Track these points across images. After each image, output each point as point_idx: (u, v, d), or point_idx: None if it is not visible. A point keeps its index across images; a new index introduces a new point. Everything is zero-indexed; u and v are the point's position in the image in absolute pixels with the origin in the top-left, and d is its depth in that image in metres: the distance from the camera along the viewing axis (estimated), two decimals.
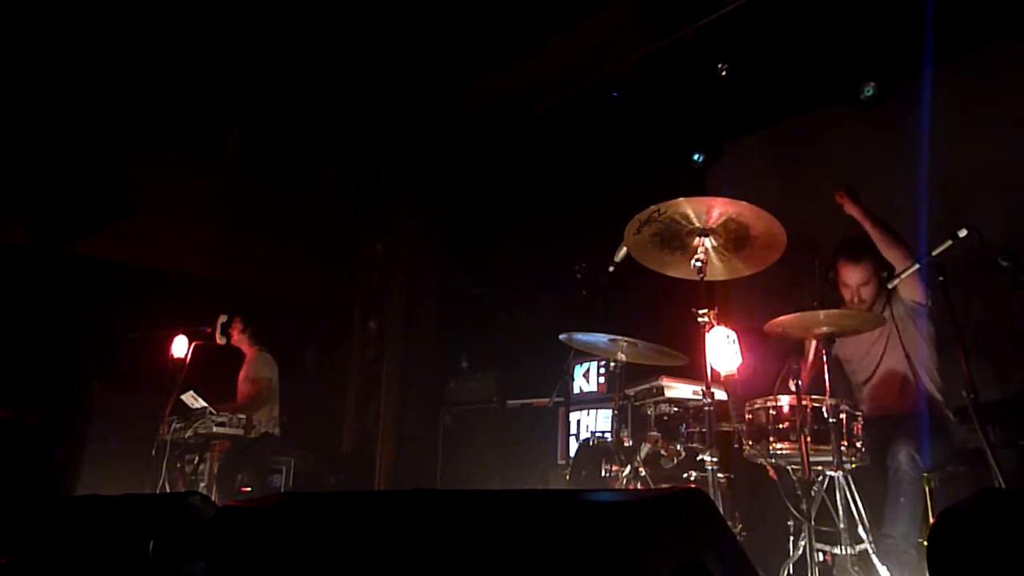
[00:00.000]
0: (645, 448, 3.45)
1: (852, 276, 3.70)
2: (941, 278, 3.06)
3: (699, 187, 6.24)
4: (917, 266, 3.26)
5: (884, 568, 2.86)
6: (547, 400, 5.13)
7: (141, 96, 6.20)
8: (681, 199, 2.90)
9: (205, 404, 5.13)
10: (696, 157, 6.39)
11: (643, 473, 3.44)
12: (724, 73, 5.66)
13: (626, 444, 3.61)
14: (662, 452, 3.43)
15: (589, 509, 1.27)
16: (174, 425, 5.08)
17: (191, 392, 5.15)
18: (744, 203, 2.91)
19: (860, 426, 3.17)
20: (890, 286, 3.45)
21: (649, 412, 3.60)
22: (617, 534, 1.15)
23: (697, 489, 1.38)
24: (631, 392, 3.96)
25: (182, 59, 6.46)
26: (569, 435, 5.51)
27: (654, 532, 1.19)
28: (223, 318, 5.63)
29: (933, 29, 4.68)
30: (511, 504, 1.39)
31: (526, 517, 1.29)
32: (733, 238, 3.04)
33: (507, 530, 1.28)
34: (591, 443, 3.95)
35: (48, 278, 5.77)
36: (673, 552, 1.20)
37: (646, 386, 3.88)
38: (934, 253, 3.12)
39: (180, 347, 5.30)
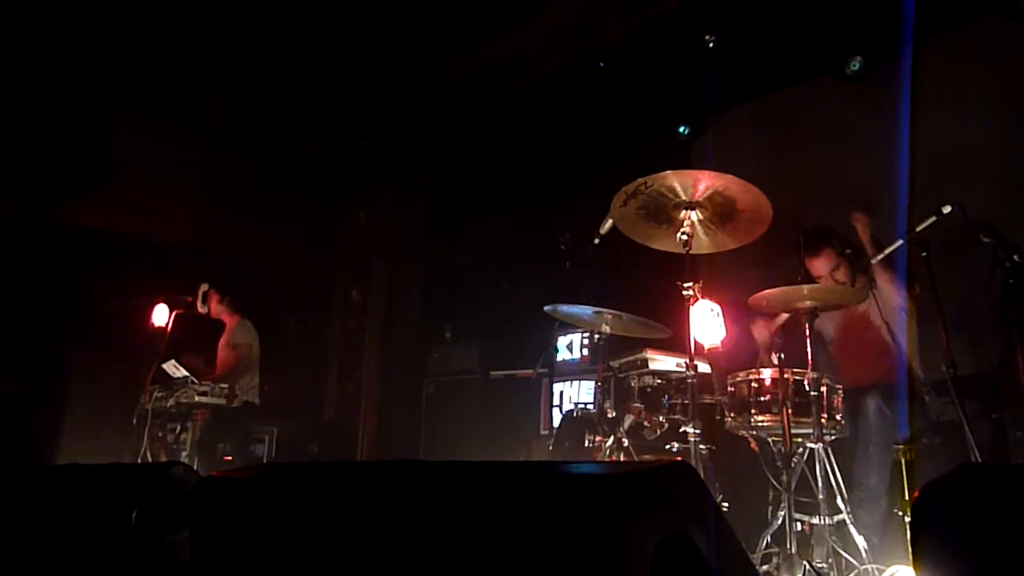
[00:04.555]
0: (628, 419, 3.48)
1: (818, 267, 3.77)
2: (924, 253, 3.08)
3: (684, 159, 6.23)
4: (900, 242, 3.28)
5: (861, 537, 2.91)
6: (531, 371, 5.14)
7: (121, 62, 6.08)
8: (668, 172, 2.89)
9: (186, 373, 5.09)
10: (682, 129, 6.38)
11: (626, 444, 3.47)
12: (711, 45, 5.62)
13: (609, 415, 3.63)
14: (645, 423, 3.46)
15: (575, 481, 1.27)
16: (155, 394, 5.05)
17: (172, 361, 5.12)
18: (731, 177, 2.90)
19: (840, 399, 3.21)
20: (874, 261, 3.48)
21: (633, 384, 3.62)
22: (603, 507, 1.15)
23: (683, 462, 1.39)
24: (615, 364, 3.97)
25: (163, 24, 6.32)
26: (552, 406, 5.53)
27: (640, 505, 1.19)
28: (204, 287, 5.58)
29: (920, 4, 4.67)
30: (497, 476, 1.39)
31: (512, 489, 1.29)
32: (719, 212, 3.03)
33: (493, 502, 1.28)
34: (575, 414, 3.97)
35: (26, 245, 5.68)
36: (659, 525, 1.20)
37: (630, 358, 3.89)
38: (918, 229, 3.15)
39: (161, 316, 5.25)
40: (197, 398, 5.06)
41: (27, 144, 5.54)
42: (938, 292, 3.07)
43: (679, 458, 3.19)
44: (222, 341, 5.72)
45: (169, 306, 5.28)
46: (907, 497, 3.16)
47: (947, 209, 3.17)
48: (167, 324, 5.23)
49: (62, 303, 5.78)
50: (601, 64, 6.20)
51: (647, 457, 3.51)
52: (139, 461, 4.78)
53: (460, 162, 7.38)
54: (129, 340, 5.33)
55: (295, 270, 7.48)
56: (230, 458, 5.43)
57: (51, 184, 5.71)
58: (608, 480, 1.26)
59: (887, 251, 3.35)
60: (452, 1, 6.59)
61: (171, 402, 5.02)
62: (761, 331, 3.79)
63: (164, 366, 5.12)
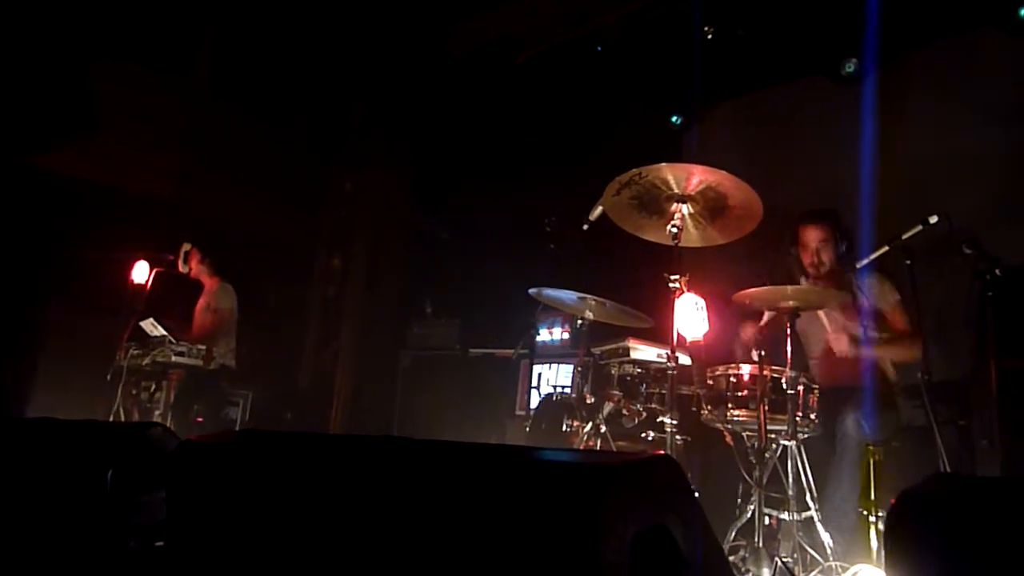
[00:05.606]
0: (608, 406, 3.51)
1: (810, 234, 3.76)
2: (908, 261, 3.12)
3: (675, 149, 6.24)
4: (886, 248, 3.32)
5: (827, 535, 2.97)
6: (512, 351, 5.16)
7: (111, 10, 5.94)
8: (663, 164, 2.90)
9: (164, 332, 5.05)
10: (674, 119, 6.38)
11: (604, 430, 3.50)
12: (710, 36, 5.62)
13: (588, 401, 3.66)
14: (623, 411, 3.49)
15: (560, 469, 1.28)
16: (131, 351, 5.00)
17: (151, 319, 5.07)
18: (724, 172, 2.91)
19: (815, 398, 3.26)
20: (859, 265, 3.52)
21: (613, 371, 3.65)
22: (586, 496, 1.16)
23: (667, 455, 1.41)
24: (597, 351, 4.00)
25: None
26: (531, 387, 5.56)
27: (623, 496, 1.21)
28: (186, 247, 5.51)
29: (917, 13, 4.70)
30: (481, 459, 1.40)
31: (496, 473, 1.30)
32: (711, 206, 3.05)
33: (475, 485, 1.29)
34: (554, 397, 4.00)
35: (2, 192, 5.57)
36: (639, 516, 1.22)
37: (612, 346, 3.92)
38: (904, 237, 3.19)
39: (141, 273, 5.19)
40: (174, 358, 5.02)
41: (10, 88, 5.42)
42: (919, 301, 3.12)
43: (663, 452, 3.23)
44: (201, 303, 5.66)
45: (150, 263, 5.22)
46: (872, 497, 3.22)
47: (933, 219, 3.21)
48: (147, 282, 5.17)
49: (39, 253, 5.69)
50: (599, 48, 6.17)
51: (622, 444, 3.55)
52: (112, 418, 4.75)
53: (449, 139, 7.33)
54: (108, 295, 5.26)
55: (277, 235, 7.42)
56: (202, 420, 5.41)
57: (32, 129, 5.59)
58: (592, 470, 1.27)
59: (872, 256, 3.39)
60: None
61: (147, 360, 4.98)
62: (746, 329, 3.82)
63: (142, 324, 5.07)
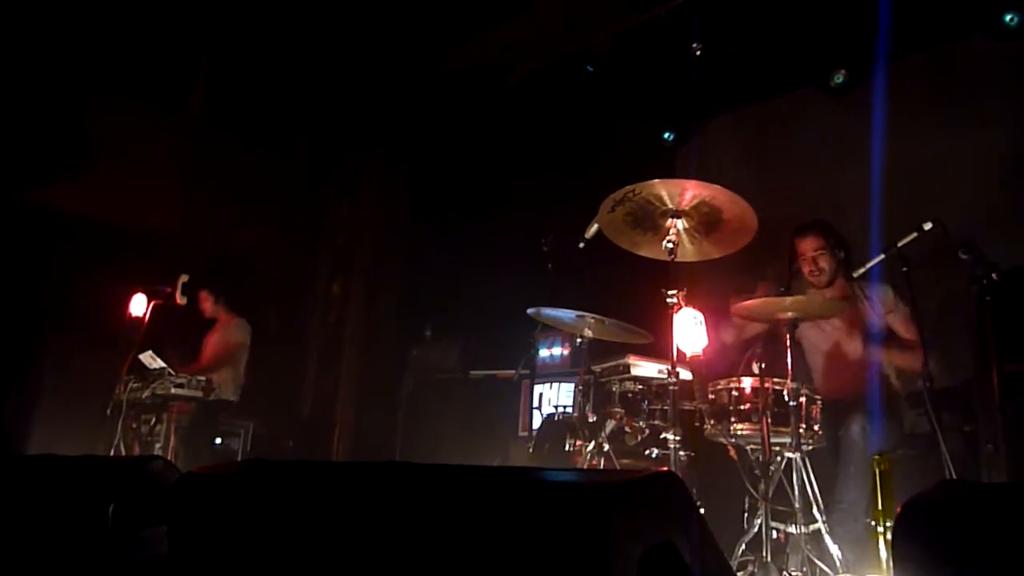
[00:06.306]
0: (610, 424, 3.50)
1: (806, 244, 3.79)
2: (905, 269, 3.13)
3: (669, 165, 6.27)
4: (882, 256, 3.33)
5: (836, 547, 2.95)
6: (512, 372, 5.14)
7: (106, 46, 5.98)
8: (656, 181, 2.91)
9: (163, 364, 5.04)
10: (667, 136, 6.41)
11: (607, 449, 3.48)
12: (698, 53, 5.66)
13: (590, 420, 3.64)
14: (626, 429, 3.48)
15: (566, 490, 1.27)
16: (131, 385, 4.99)
17: (149, 352, 5.06)
18: (718, 187, 2.92)
19: (818, 409, 3.25)
20: (856, 274, 3.52)
21: (614, 389, 3.63)
22: (593, 515, 1.16)
23: (671, 472, 1.40)
24: (597, 369, 3.99)
25: (151, 9, 6.23)
26: (532, 408, 5.54)
27: (629, 514, 1.20)
28: (184, 278, 5.51)
29: (904, 22, 4.74)
30: (486, 481, 1.40)
31: (501, 495, 1.29)
32: (705, 221, 3.06)
33: (482, 508, 1.28)
34: (556, 417, 3.99)
35: (2, 228, 5.58)
36: (646, 533, 1.22)
37: (613, 363, 3.91)
38: (899, 244, 3.20)
39: (138, 305, 5.19)
40: (173, 390, 5.01)
41: (8, 124, 5.45)
42: (918, 308, 3.12)
43: (666, 468, 3.22)
44: (216, 336, 5.71)
45: (147, 296, 5.22)
46: (880, 507, 3.20)
47: (928, 225, 3.22)
48: (145, 314, 5.17)
49: (39, 288, 5.69)
50: (590, 68, 6.21)
51: (626, 462, 3.53)
52: (112, 452, 4.73)
53: (445, 160, 7.36)
54: (106, 329, 5.26)
55: (276, 262, 7.42)
56: (203, 451, 5.38)
57: (32, 166, 5.62)
58: (598, 489, 1.27)
59: (868, 265, 3.40)
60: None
61: (147, 393, 4.97)
62: (739, 338, 3.82)
63: (141, 356, 5.07)
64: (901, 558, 1.10)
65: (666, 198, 2.98)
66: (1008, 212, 4.54)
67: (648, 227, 3.13)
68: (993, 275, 3.21)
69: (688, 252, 3.20)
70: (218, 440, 5.76)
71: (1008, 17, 4.72)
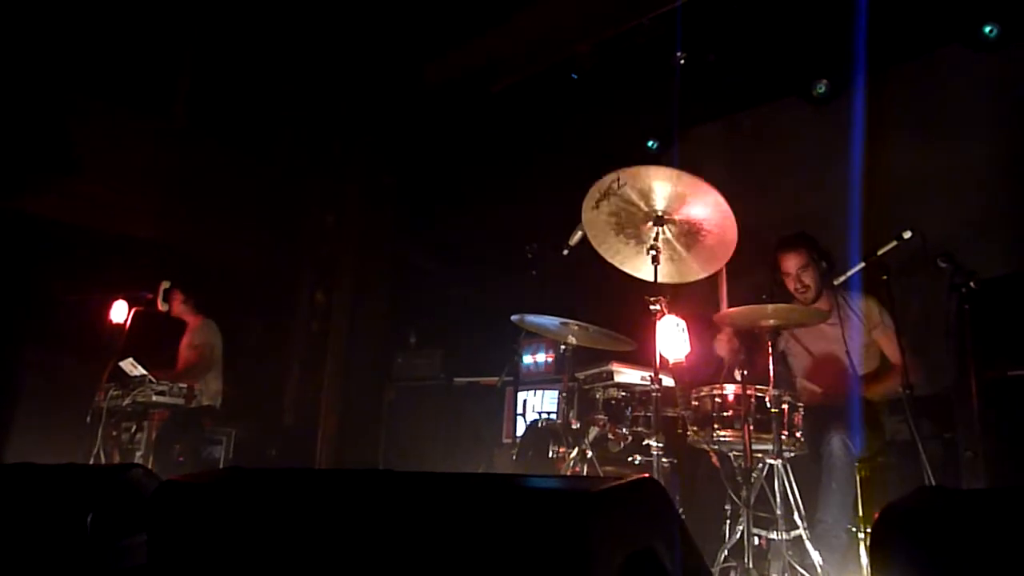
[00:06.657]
0: (593, 431, 3.50)
1: (789, 262, 3.80)
2: (884, 277, 3.16)
3: None
4: (862, 264, 3.36)
5: (816, 553, 2.96)
6: (496, 379, 5.14)
7: (89, 53, 5.95)
8: (640, 167, 2.92)
9: (144, 372, 5.00)
10: (651, 144, 6.45)
11: (590, 456, 3.49)
12: (682, 62, 5.70)
13: (574, 427, 3.65)
14: (609, 436, 3.48)
15: (547, 496, 1.28)
16: (111, 392, 4.94)
17: (130, 359, 5.01)
18: (700, 180, 2.93)
19: (800, 416, 3.26)
20: (836, 283, 3.55)
21: (597, 396, 3.64)
22: (573, 522, 1.16)
23: (652, 478, 1.40)
24: (581, 376, 4.00)
25: (134, 16, 6.21)
26: (516, 415, 5.54)
27: (610, 520, 1.21)
28: (165, 284, 5.48)
29: (883, 33, 4.80)
30: (467, 489, 1.39)
31: (482, 503, 1.29)
32: (686, 231, 3.07)
33: (463, 516, 1.28)
34: (540, 424, 3.99)
35: None
36: (627, 540, 1.22)
37: (596, 370, 3.92)
38: (879, 253, 3.23)
39: (119, 312, 5.15)
40: (155, 397, 4.97)
41: None
42: (896, 315, 3.15)
43: (647, 475, 3.22)
44: (185, 341, 5.64)
45: (129, 303, 5.18)
46: (861, 514, 3.23)
47: (908, 234, 3.26)
48: (126, 321, 5.13)
49: (18, 295, 5.63)
50: (574, 76, 6.25)
51: (610, 469, 3.53)
52: (92, 461, 4.68)
53: (430, 168, 7.37)
54: (86, 336, 5.22)
55: (260, 270, 7.38)
56: (183, 459, 5.34)
57: (10, 171, 5.56)
58: (579, 496, 1.27)
59: (848, 273, 3.43)
60: (426, 6, 6.58)
61: (127, 401, 4.92)
62: (723, 346, 3.83)
63: (121, 364, 5.02)
64: (879, 564, 1.12)
65: (651, 192, 2.98)
66: (987, 221, 4.59)
67: (631, 234, 3.14)
68: (972, 284, 3.25)
69: (670, 272, 3.20)
70: (198, 448, 5.70)
71: (987, 28, 4.80)
